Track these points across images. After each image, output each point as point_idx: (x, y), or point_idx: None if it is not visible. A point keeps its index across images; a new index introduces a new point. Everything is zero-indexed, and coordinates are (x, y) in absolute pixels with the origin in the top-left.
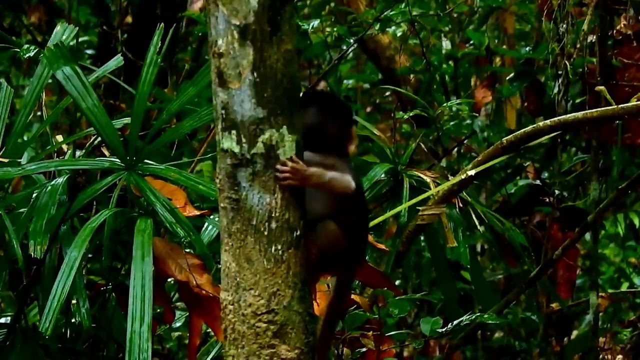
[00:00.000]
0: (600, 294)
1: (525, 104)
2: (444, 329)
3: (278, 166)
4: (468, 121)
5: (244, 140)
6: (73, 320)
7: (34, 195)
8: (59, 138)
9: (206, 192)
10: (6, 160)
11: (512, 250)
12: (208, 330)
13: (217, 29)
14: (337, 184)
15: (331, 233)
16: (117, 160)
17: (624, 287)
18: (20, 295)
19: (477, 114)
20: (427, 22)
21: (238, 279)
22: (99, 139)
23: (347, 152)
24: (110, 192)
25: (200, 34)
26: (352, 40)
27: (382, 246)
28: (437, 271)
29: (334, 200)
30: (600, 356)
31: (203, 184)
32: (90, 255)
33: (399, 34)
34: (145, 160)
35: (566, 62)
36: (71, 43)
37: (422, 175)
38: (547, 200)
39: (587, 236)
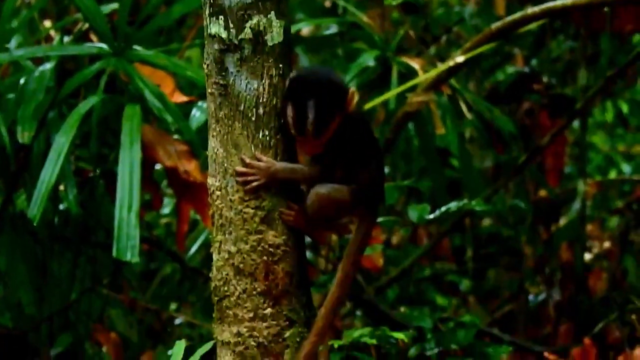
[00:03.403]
0: (588, 181)
1: None
2: (432, 216)
3: (237, 168)
4: (457, 8)
5: (231, 25)
6: (61, 207)
7: (22, 81)
8: (47, 24)
9: (194, 79)
10: None
11: (501, 138)
12: (197, 217)
13: None
14: (308, 179)
15: (316, 198)
16: (106, 46)
17: (612, 175)
18: (8, 181)
19: (467, 1)
20: None
21: (226, 165)
22: (87, 25)
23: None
24: (99, 79)
25: None
26: None
27: None
28: (425, 158)
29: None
30: (588, 243)
31: (191, 71)
32: (78, 142)
33: None
34: (134, 47)
35: None
36: None
37: (410, 63)
38: (536, 87)
39: (576, 124)
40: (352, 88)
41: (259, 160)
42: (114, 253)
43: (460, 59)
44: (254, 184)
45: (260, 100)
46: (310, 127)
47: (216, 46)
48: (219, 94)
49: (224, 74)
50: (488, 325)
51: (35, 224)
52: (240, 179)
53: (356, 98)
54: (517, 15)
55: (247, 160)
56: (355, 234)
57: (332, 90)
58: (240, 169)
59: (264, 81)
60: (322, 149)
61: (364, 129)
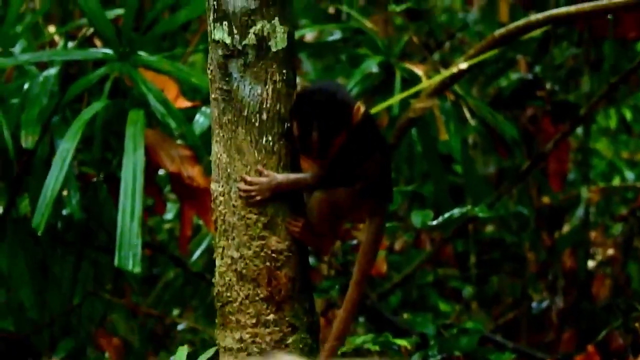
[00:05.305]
0: (591, 187)
1: None
2: (435, 222)
3: (240, 186)
4: (461, 15)
5: (235, 31)
6: (64, 211)
7: (26, 86)
8: (52, 29)
9: (198, 84)
10: None
11: (504, 144)
12: (200, 222)
13: None
14: (311, 187)
15: (315, 203)
16: (110, 51)
17: (616, 182)
18: (11, 185)
19: (470, 8)
20: None
21: (229, 170)
22: (92, 29)
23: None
24: (102, 83)
25: None
26: None
27: None
28: (429, 164)
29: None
30: (592, 250)
31: (195, 76)
32: (80, 147)
33: None
34: (138, 52)
35: None
36: None
37: (414, 68)
38: (539, 94)
39: (579, 130)
40: (358, 102)
41: (260, 174)
42: (116, 262)
43: (463, 65)
44: (258, 198)
45: (264, 106)
46: (315, 146)
47: (220, 51)
48: (222, 99)
49: (227, 79)
50: (491, 332)
51: (39, 234)
52: (243, 194)
53: (362, 110)
54: (521, 21)
55: (248, 179)
56: (367, 232)
57: (337, 110)
58: (242, 186)
59: (267, 87)
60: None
61: (370, 131)
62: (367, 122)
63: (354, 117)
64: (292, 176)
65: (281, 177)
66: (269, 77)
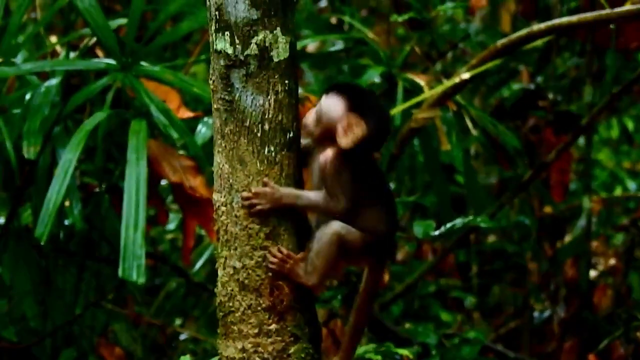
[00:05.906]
0: (593, 198)
1: (520, 7)
2: (437, 232)
3: (243, 194)
4: (463, 25)
5: (237, 41)
6: (66, 222)
7: (28, 96)
8: (53, 39)
9: (200, 94)
10: (0, 60)
11: (506, 154)
12: (202, 232)
13: None
14: (312, 206)
15: (329, 233)
16: (112, 61)
17: (618, 192)
18: (13, 196)
19: (472, 18)
20: None
21: (231, 181)
22: (94, 40)
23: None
24: (104, 94)
25: None
26: None
27: None
28: (430, 174)
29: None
30: (593, 260)
31: (197, 86)
32: (82, 157)
33: None
34: (141, 62)
35: None
36: None
37: (416, 79)
38: (541, 104)
39: (581, 140)
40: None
41: (265, 185)
42: (120, 273)
43: (465, 75)
44: (258, 207)
45: (266, 116)
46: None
47: (222, 62)
48: (224, 110)
49: (229, 89)
50: (492, 342)
51: (42, 243)
52: (245, 202)
53: (365, 130)
54: (523, 32)
55: (254, 190)
56: (364, 285)
57: (378, 108)
58: (245, 194)
59: (269, 97)
60: (336, 161)
61: (380, 178)
62: (379, 169)
63: (379, 128)
64: (295, 192)
65: (284, 190)
66: (271, 87)
